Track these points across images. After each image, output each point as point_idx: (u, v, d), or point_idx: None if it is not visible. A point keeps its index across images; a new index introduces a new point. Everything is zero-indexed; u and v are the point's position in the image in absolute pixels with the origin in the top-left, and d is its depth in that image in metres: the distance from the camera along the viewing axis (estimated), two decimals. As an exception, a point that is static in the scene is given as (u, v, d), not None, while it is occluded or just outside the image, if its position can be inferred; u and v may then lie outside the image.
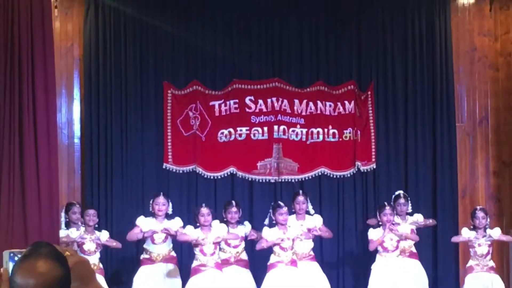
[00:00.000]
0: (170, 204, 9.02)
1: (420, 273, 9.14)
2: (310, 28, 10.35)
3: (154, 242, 8.85)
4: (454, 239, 9.25)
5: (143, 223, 8.86)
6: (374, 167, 10.29)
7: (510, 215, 10.38)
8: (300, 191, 9.35)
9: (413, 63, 10.35)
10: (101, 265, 8.92)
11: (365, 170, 10.28)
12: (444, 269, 10.17)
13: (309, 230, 9.03)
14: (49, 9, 8.52)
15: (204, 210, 8.69)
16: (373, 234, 9.01)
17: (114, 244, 8.94)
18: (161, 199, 8.96)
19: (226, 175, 10.18)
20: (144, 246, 8.95)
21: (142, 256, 8.98)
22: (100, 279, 8.65)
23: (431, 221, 9.65)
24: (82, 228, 8.84)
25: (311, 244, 9.10)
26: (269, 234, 8.65)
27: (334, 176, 10.28)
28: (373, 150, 10.32)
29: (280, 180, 10.20)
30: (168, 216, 8.96)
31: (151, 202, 9.02)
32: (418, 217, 9.43)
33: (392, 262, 8.93)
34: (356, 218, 10.23)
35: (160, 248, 8.88)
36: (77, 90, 10.27)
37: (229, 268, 8.90)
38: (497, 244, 10.33)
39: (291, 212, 9.12)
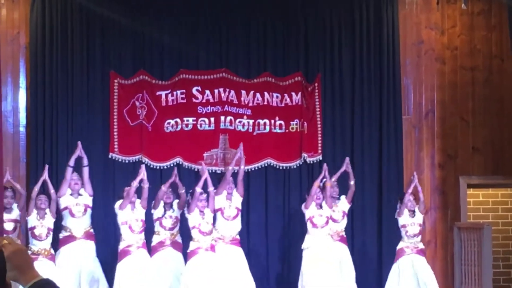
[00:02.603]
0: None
1: (347, 259, 9.25)
2: (258, 19, 10.36)
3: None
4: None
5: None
6: (320, 158, 10.31)
7: (454, 207, 10.46)
8: None
9: (360, 56, 10.39)
10: (52, 251, 8.86)
11: (311, 162, 10.31)
12: (389, 259, 10.18)
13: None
14: (-5, -4, 8.48)
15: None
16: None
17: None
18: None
19: (172, 165, 10.15)
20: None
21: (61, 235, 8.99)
22: (50, 265, 8.62)
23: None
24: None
25: (238, 227, 9.15)
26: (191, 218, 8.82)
27: (280, 168, 10.30)
28: (320, 141, 10.35)
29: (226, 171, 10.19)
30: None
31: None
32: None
33: (322, 242, 8.99)
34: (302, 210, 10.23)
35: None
36: (23, 78, 10.21)
37: (164, 251, 8.93)
38: (441, 236, 10.45)
39: None
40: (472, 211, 11.39)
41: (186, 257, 8.85)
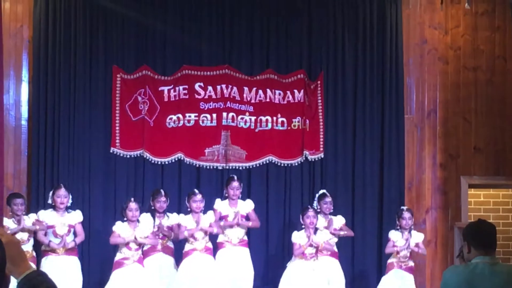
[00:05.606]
0: (70, 196, 8.91)
1: (337, 273, 9.13)
2: (261, 16, 10.35)
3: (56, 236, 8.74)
4: (388, 250, 9.02)
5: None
6: (322, 156, 10.30)
7: (455, 208, 10.45)
8: (235, 176, 9.41)
9: (363, 54, 10.38)
10: (34, 254, 8.77)
11: (313, 159, 10.30)
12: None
13: (243, 216, 9.18)
14: (-2, -11, 8.45)
15: (133, 205, 8.71)
16: (297, 238, 8.89)
17: (37, 227, 8.65)
18: (62, 191, 8.83)
19: (173, 161, 10.15)
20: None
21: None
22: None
23: (348, 232, 9.52)
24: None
25: (243, 229, 9.17)
26: (185, 221, 8.85)
27: (282, 165, 10.29)
28: (321, 139, 10.34)
29: (227, 167, 10.19)
30: (67, 208, 8.89)
31: (50, 194, 8.91)
32: (341, 220, 9.45)
33: (308, 263, 8.85)
34: (303, 207, 10.20)
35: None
36: (26, 71, 10.19)
37: (154, 256, 8.94)
38: (441, 235, 10.43)
39: (224, 197, 9.32)
40: (473, 211, 11.36)
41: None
